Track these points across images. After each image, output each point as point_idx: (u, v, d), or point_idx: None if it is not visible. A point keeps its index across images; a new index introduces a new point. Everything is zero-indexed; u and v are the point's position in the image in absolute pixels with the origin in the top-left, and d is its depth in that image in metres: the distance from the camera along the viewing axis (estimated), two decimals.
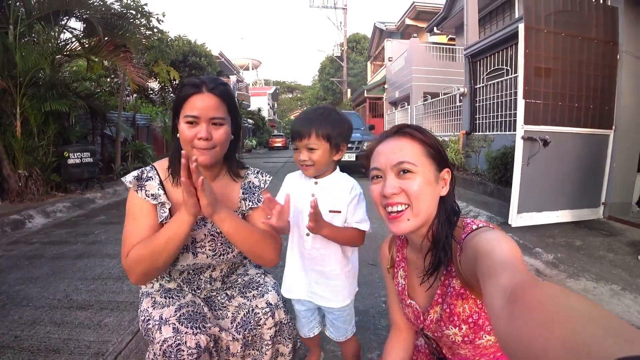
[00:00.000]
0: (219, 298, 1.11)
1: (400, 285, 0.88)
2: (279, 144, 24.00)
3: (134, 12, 6.18)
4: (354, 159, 6.86)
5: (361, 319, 1.83)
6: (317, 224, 0.91)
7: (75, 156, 5.05)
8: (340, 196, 1.04)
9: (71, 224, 3.91)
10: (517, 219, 3.10)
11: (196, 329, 0.91)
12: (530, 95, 2.99)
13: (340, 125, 1.02)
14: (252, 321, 1.03)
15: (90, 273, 2.47)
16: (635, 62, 3.27)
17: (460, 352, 0.77)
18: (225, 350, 1.01)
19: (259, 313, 1.04)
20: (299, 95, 52.04)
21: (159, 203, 0.97)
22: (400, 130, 0.77)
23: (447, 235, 0.72)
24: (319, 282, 1.07)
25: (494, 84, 5.94)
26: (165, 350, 0.86)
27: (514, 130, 3.22)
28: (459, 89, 7.14)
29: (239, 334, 1.01)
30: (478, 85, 6.56)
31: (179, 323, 0.91)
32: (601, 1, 3.41)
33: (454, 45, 12.07)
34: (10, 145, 4.54)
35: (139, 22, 6.37)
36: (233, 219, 0.93)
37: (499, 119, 5.79)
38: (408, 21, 15.74)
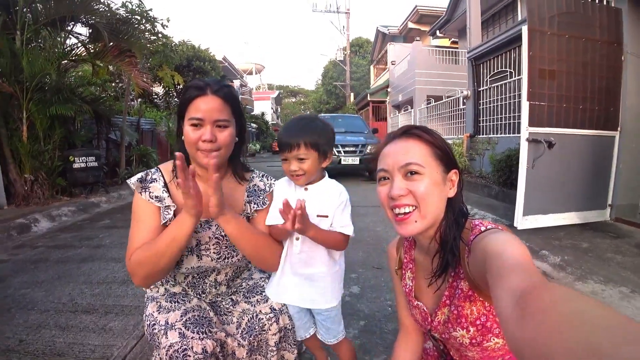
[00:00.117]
0: (223, 303, 1.10)
1: (407, 286, 0.87)
2: None
3: (138, 18, 6.25)
4: (357, 162, 6.72)
5: (367, 322, 1.82)
6: (304, 225, 0.91)
7: (81, 160, 5.08)
8: (330, 201, 1.06)
9: (76, 228, 3.93)
10: (522, 222, 3.08)
11: (202, 334, 0.90)
12: (534, 97, 2.98)
13: (326, 133, 1.04)
14: (256, 327, 1.02)
15: (95, 277, 2.48)
16: None
17: (468, 355, 0.76)
18: (231, 355, 1.00)
19: (263, 319, 1.03)
20: (302, 99, 52.11)
21: (163, 205, 0.97)
22: (407, 132, 0.76)
23: (455, 237, 0.72)
24: (306, 284, 1.08)
25: (497, 86, 5.92)
26: (171, 355, 0.85)
27: (518, 132, 3.21)
28: (462, 92, 7.12)
29: (244, 340, 1.00)
30: (481, 88, 6.53)
31: (185, 328, 0.90)
32: (605, 2, 3.41)
33: (457, 48, 12.07)
34: (17, 149, 4.58)
35: (143, 27, 6.43)
36: (238, 221, 0.92)
37: (503, 122, 5.76)
38: (411, 25, 15.79)
